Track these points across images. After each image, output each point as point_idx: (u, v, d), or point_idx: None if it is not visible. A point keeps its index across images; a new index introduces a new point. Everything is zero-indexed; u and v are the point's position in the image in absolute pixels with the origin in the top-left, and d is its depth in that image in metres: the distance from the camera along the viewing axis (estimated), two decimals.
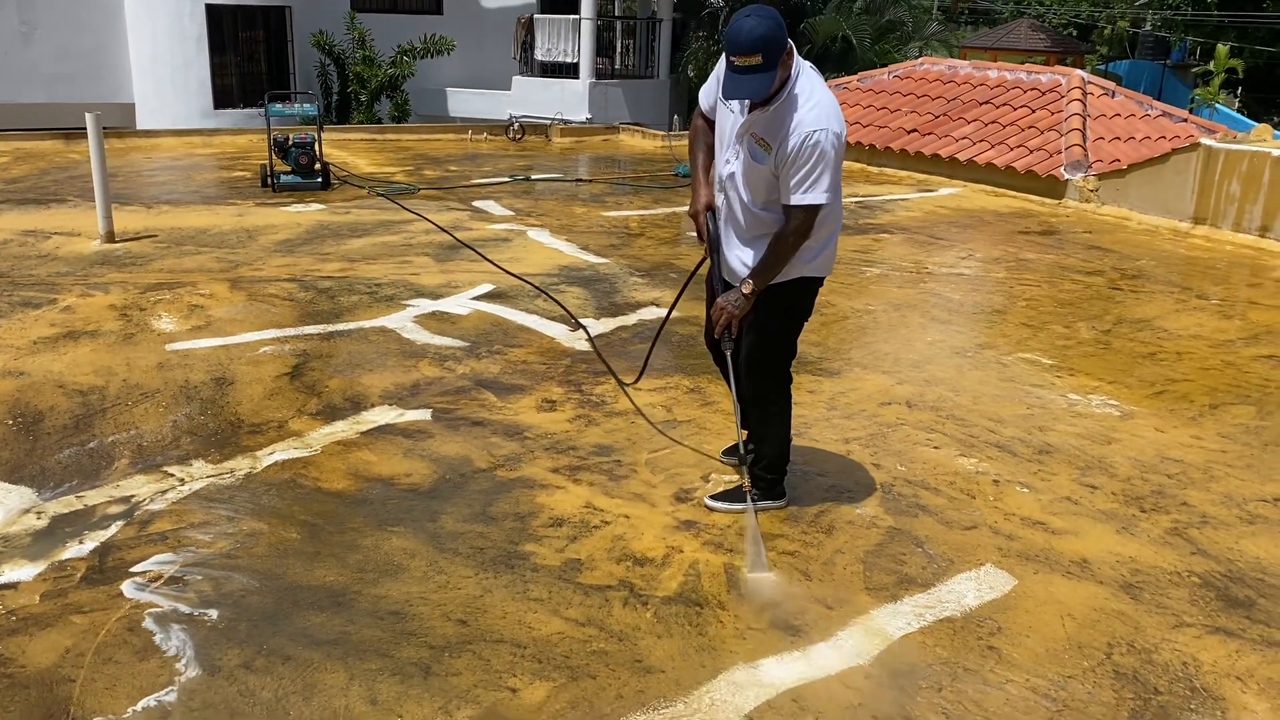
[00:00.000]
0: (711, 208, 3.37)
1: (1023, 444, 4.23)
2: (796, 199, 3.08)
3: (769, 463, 3.55)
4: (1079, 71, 11.33)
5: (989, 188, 10.28)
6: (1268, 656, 2.88)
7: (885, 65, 14.65)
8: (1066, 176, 9.65)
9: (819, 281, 3.38)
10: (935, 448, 4.17)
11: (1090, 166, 9.62)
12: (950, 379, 4.95)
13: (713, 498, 3.62)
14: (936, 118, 11.41)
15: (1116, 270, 7.27)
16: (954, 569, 3.26)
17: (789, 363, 3.49)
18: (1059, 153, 9.91)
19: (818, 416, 4.44)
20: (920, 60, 13.43)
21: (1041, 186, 9.86)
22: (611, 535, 3.40)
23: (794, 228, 3.13)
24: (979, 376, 5.00)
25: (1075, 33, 36.58)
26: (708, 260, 3.47)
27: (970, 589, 3.15)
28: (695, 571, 3.20)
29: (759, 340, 3.40)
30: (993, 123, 10.88)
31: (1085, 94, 10.67)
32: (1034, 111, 10.76)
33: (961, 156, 10.56)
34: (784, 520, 3.53)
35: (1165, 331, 5.84)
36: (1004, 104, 11.11)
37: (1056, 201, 9.71)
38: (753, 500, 3.56)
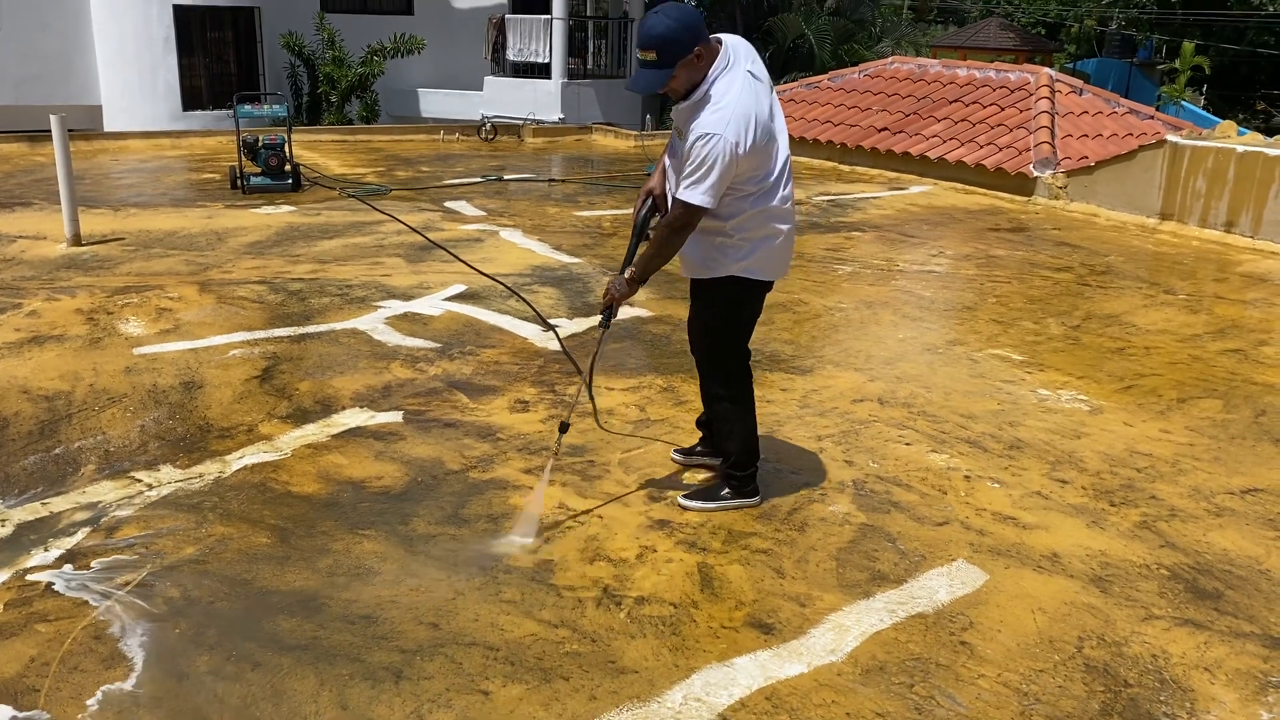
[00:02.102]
0: (651, 193, 3.40)
1: (994, 439, 4.26)
2: (676, 192, 3.16)
3: (735, 460, 3.56)
4: (1047, 70, 11.42)
5: (959, 185, 10.35)
6: (1236, 648, 2.91)
7: (854, 64, 14.72)
8: (1035, 174, 9.73)
9: (757, 284, 3.37)
10: (907, 444, 4.18)
11: (1059, 164, 9.71)
12: (922, 375, 4.98)
13: (685, 497, 3.61)
14: (907, 116, 11.47)
15: (1085, 266, 7.33)
16: (926, 565, 3.28)
17: (736, 361, 3.50)
18: (1028, 150, 9.99)
19: (790, 414, 4.44)
20: (890, 59, 13.50)
21: (1011, 184, 9.93)
22: (585, 536, 3.39)
23: (669, 220, 3.20)
24: (950, 373, 5.03)
25: (1044, 31, 36.86)
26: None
27: (942, 585, 3.17)
28: (669, 571, 3.19)
29: (699, 337, 3.49)
30: (963, 121, 10.95)
31: (1053, 92, 10.76)
32: (1003, 109, 10.84)
33: (932, 154, 10.62)
34: (757, 518, 3.53)
35: (1133, 326, 5.90)
36: (973, 102, 11.18)
37: (1026, 199, 9.79)
38: (728, 499, 3.57)
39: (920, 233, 8.35)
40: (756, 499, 3.60)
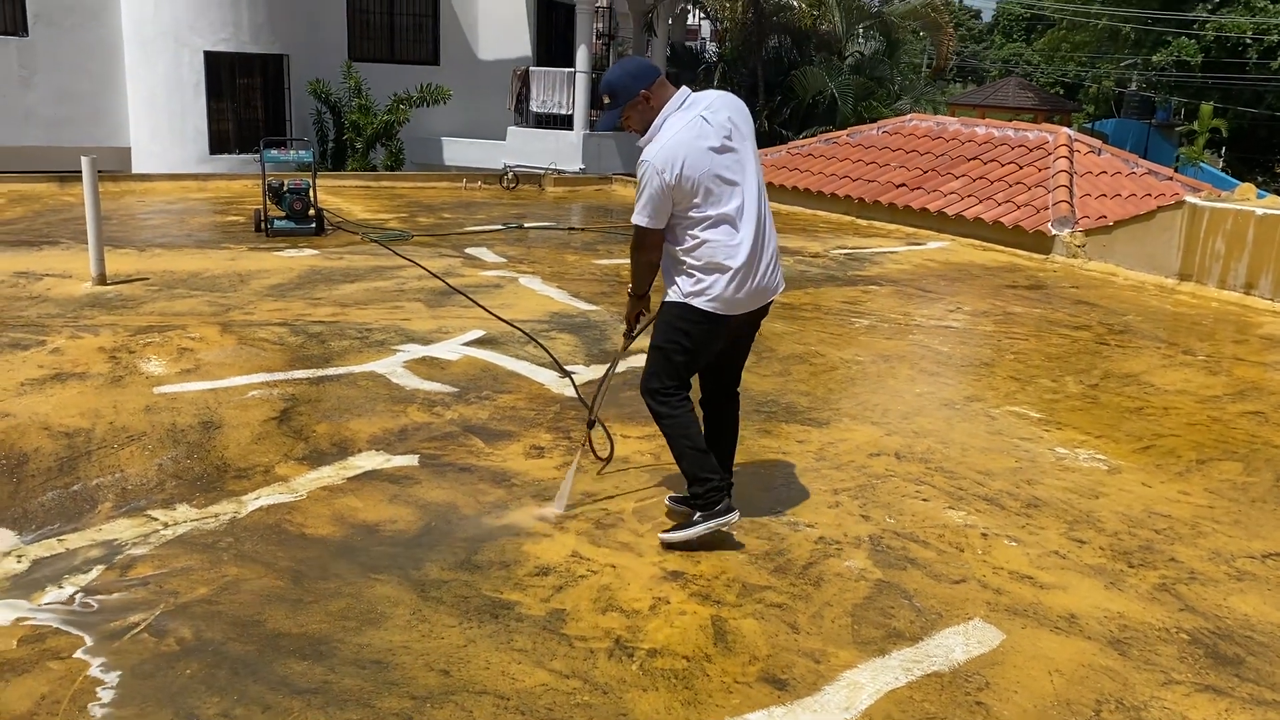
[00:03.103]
0: None
1: (1011, 497, 4.23)
2: None
3: (690, 476, 3.60)
4: (1066, 129, 11.50)
5: (977, 242, 10.38)
6: (1257, 715, 2.86)
7: (873, 121, 14.85)
8: (1054, 232, 9.75)
9: (706, 317, 3.48)
10: (924, 500, 4.16)
11: (1077, 222, 9.73)
12: (939, 431, 4.96)
13: (664, 533, 3.63)
14: (925, 172, 11.55)
15: (1103, 325, 7.32)
16: (942, 623, 3.24)
17: (670, 384, 3.57)
18: (1046, 208, 10.03)
19: (806, 467, 4.43)
20: (909, 116, 13.62)
21: (1029, 241, 9.95)
22: (598, 585, 3.38)
23: (632, 240, 3.58)
24: (968, 429, 5.01)
25: (1062, 91, 37.17)
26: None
27: (958, 643, 3.13)
28: (682, 623, 3.17)
29: (648, 352, 3.65)
30: (981, 178, 11.01)
31: (1072, 151, 10.82)
32: (1021, 168, 10.90)
33: (950, 211, 10.67)
34: (772, 572, 3.51)
35: (1152, 386, 5.87)
36: (992, 160, 11.25)
37: (1044, 256, 9.80)
38: (700, 522, 3.59)
39: (937, 288, 8.36)
40: (733, 515, 3.57)
